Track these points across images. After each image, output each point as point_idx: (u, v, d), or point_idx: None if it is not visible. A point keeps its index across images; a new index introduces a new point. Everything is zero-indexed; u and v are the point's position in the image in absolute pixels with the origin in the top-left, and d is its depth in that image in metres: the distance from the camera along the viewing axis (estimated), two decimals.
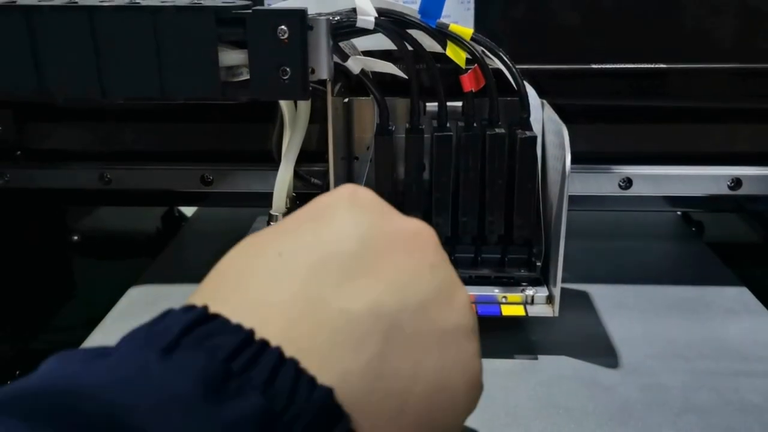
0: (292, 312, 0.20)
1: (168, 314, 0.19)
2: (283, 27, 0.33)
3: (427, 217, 0.40)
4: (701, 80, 0.46)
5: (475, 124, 0.39)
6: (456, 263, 0.25)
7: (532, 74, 0.42)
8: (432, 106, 0.40)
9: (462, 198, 0.40)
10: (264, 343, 0.18)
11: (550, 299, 0.40)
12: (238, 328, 0.18)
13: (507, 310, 0.40)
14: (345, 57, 0.38)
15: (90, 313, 0.47)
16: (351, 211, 0.23)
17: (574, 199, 0.38)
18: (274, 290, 0.20)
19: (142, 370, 0.17)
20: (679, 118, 0.49)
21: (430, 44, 0.38)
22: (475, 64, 0.38)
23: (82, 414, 0.16)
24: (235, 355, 0.18)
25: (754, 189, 0.48)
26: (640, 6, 0.45)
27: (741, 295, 0.47)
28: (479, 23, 0.44)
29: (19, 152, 0.51)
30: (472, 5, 0.44)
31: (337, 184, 0.41)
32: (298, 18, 0.33)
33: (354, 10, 0.36)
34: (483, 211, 0.41)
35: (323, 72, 0.35)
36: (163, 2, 0.34)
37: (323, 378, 0.18)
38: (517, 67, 0.38)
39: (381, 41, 0.38)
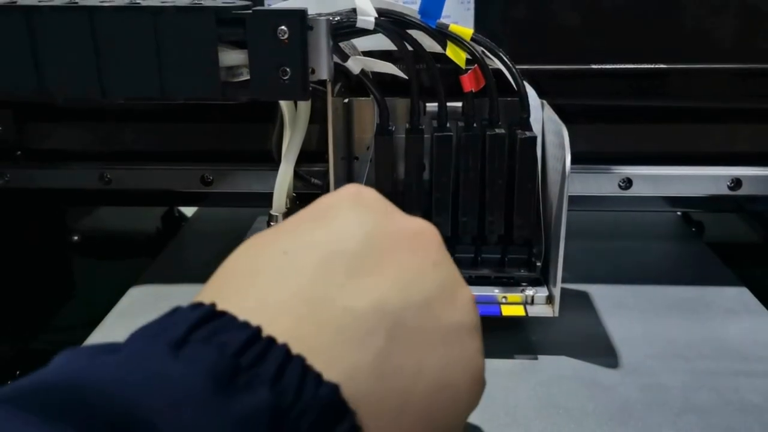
0: (298, 310, 0.20)
1: (176, 311, 0.20)
2: (283, 27, 0.33)
3: (427, 217, 0.40)
4: (701, 80, 0.46)
5: (475, 125, 0.39)
6: (456, 263, 0.25)
7: (532, 74, 0.42)
8: (432, 106, 0.40)
9: (462, 198, 0.40)
10: (271, 340, 0.18)
11: (550, 299, 0.40)
12: (246, 325, 0.19)
13: (507, 310, 0.40)
14: (345, 57, 0.38)
15: (90, 313, 0.47)
16: (355, 210, 0.24)
17: (574, 200, 0.38)
18: (279, 288, 0.21)
19: (152, 366, 0.17)
20: (679, 118, 0.49)
21: (430, 44, 0.38)
22: (475, 65, 0.38)
23: (94, 409, 0.16)
24: (242, 352, 0.18)
25: (754, 189, 0.48)
26: (640, 6, 0.45)
27: (741, 295, 0.47)
28: (479, 23, 0.44)
29: (19, 152, 0.51)
30: (472, 5, 0.44)
31: (337, 184, 0.41)
32: (298, 18, 0.33)
33: (354, 11, 0.36)
34: (483, 211, 0.41)
35: (323, 72, 0.35)
36: (163, 2, 0.34)
37: (329, 375, 0.19)
38: (517, 67, 0.38)
39: (381, 41, 0.38)
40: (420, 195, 0.41)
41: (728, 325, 0.43)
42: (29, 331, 0.52)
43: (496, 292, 0.41)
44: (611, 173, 0.48)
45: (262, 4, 0.41)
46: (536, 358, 0.39)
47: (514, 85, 0.39)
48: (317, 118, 0.43)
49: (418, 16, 0.37)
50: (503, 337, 0.41)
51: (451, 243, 0.42)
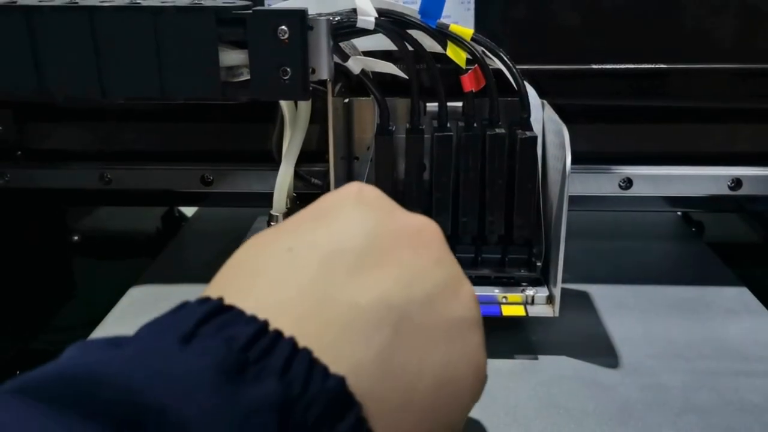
0: (303, 306, 0.20)
1: (184, 306, 0.20)
2: (283, 27, 0.33)
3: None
4: (701, 80, 0.46)
5: (475, 125, 0.39)
6: None
7: (533, 74, 0.42)
8: (432, 106, 0.40)
9: (462, 198, 0.40)
10: (278, 334, 0.19)
11: (550, 299, 0.40)
12: (253, 319, 0.19)
13: (507, 311, 0.40)
14: (345, 57, 0.38)
15: (90, 313, 0.47)
16: (357, 208, 0.24)
17: (574, 200, 0.38)
18: (284, 285, 0.21)
19: (162, 358, 0.17)
20: (680, 118, 0.49)
21: (430, 44, 0.38)
22: (476, 65, 0.38)
23: (105, 400, 0.16)
24: (250, 345, 0.18)
25: (755, 189, 0.48)
26: (640, 6, 0.45)
27: (741, 295, 0.47)
28: (479, 23, 0.44)
29: (19, 152, 0.51)
30: (472, 5, 0.44)
31: (337, 184, 0.41)
32: (299, 18, 0.33)
33: (354, 11, 0.36)
34: (483, 211, 0.41)
35: (323, 72, 0.35)
36: (163, 2, 0.34)
37: (335, 369, 0.19)
38: (518, 67, 0.38)
39: (381, 41, 0.38)
40: (420, 195, 0.41)
41: (728, 325, 0.43)
42: (29, 331, 0.52)
43: (496, 292, 0.41)
44: (611, 173, 0.48)
45: (263, 4, 0.41)
46: (536, 358, 0.39)
47: (515, 85, 0.39)
48: (317, 118, 0.43)
49: (419, 16, 0.37)
50: (503, 337, 0.41)
51: (452, 243, 0.41)
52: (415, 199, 0.40)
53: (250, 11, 0.34)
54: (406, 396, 0.21)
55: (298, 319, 0.20)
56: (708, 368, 0.38)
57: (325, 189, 0.45)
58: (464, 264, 0.42)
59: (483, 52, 0.38)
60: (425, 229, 0.25)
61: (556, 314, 0.39)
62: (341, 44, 0.38)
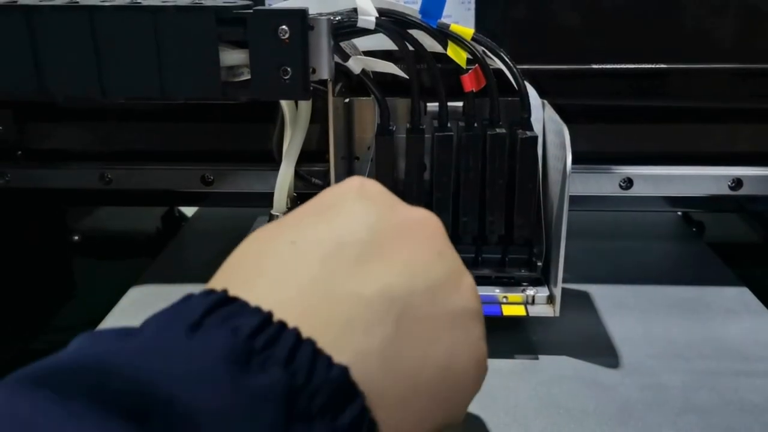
0: (307, 298, 0.20)
1: (189, 298, 0.20)
2: (283, 27, 0.33)
3: None
4: (701, 80, 0.46)
5: (475, 124, 0.39)
6: None
7: (533, 74, 0.42)
8: (433, 106, 0.40)
9: (462, 198, 0.40)
10: (282, 325, 0.19)
11: (550, 299, 0.40)
12: (258, 310, 0.19)
13: (508, 310, 0.40)
14: (346, 57, 0.38)
15: (90, 313, 0.47)
16: (359, 202, 0.24)
17: (574, 199, 0.38)
18: (288, 278, 0.21)
19: (169, 347, 0.18)
20: (680, 118, 0.49)
21: (430, 44, 0.38)
22: (476, 64, 0.38)
23: (114, 390, 0.16)
24: (255, 335, 0.18)
25: (755, 189, 0.48)
26: (640, 6, 0.45)
27: (741, 295, 0.47)
28: (480, 23, 0.44)
29: (19, 152, 0.51)
30: (472, 5, 0.44)
31: None
32: (299, 18, 0.33)
33: (355, 10, 0.36)
34: (483, 211, 0.41)
35: (324, 72, 0.35)
36: (163, 2, 0.34)
37: (338, 359, 0.19)
38: (518, 67, 0.38)
39: (382, 41, 0.38)
40: (421, 195, 0.41)
41: (728, 325, 0.43)
42: (29, 331, 0.52)
43: (496, 291, 0.41)
44: (612, 173, 0.48)
45: (263, 4, 0.41)
46: (537, 358, 0.39)
47: (515, 85, 0.39)
48: (318, 117, 0.43)
49: (419, 16, 0.37)
50: (504, 336, 0.41)
51: (452, 243, 0.42)
52: (415, 198, 0.40)
53: (251, 11, 0.34)
54: (408, 386, 0.21)
55: (302, 311, 0.20)
56: (708, 368, 0.38)
57: None
58: (465, 264, 0.42)
59: (483, 51, 0.38)
60: (427, 223, 0.25)
61: (557, 314, 0.39)
62: (342, 44, 0.38)
